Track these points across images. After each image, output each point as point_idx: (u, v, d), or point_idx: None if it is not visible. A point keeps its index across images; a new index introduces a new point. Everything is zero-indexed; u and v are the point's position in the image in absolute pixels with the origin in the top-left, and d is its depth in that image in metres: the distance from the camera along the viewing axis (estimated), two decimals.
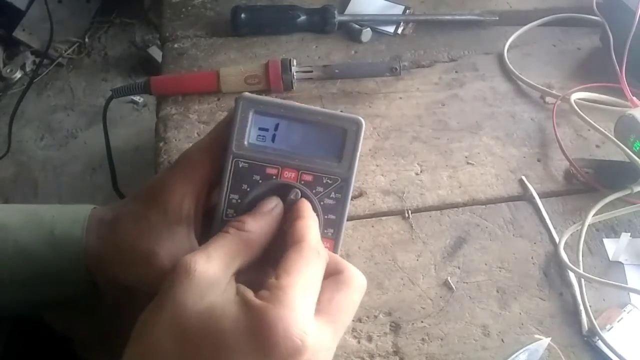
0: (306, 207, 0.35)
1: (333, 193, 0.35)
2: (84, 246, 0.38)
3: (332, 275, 0.33)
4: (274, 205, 0.35)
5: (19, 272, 0.39)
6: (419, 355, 0.49)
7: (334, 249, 0.36)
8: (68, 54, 1.91)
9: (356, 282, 0.34)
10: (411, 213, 0.57)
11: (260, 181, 0.35)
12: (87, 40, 1.95)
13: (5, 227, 0.39)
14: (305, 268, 0.32)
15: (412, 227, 0.56)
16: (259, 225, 0.33)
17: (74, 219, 0.39)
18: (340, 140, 0.35)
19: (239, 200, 0.35)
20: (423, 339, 0.49)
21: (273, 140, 0.35)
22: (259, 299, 0.30)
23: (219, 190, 0.36)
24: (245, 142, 0.35)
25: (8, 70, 1.82)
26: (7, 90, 1.82)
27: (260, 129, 0.35)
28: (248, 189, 0.35)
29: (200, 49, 0.72)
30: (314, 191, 0.35)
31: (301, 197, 0.35)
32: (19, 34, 1.81)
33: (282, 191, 0.35)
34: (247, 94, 0.35)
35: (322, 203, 0.35)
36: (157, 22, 1.25)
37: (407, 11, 0.76)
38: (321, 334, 0.30)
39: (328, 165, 0.35)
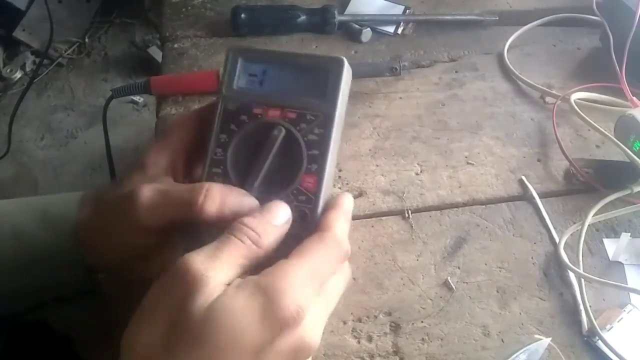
0: (344, 201, 0.37)
1: (316, 128, 0.36)
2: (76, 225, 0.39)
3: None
4: (288, 218, 0.35)
5: (15, 257, 0.40)
6: (419, 355, 0.49)
7: (317, 183, 0.36)
8: (68, 54, 1.91)
9: (345, 265, 0.36)
10: (411, 213, 0.57)
11: (247, 120, 0.37)
12: (87, 40, 1.95)
13: (0, 212, 0.40)
14: (319, 254, 0.33)
15: (412, 227, 0.56)
16: (273, 238, 0.34)
17: (67, 201, 0.41)
18: (323, 79, 0.37)
19: (227, 140, 0.37)
20: (423, 339, 0.50)
21: (261, 84, 0.38)
22: (261, 277, 0.31)
23: (208, 134, 0.37)
24: (235, 86, 0.37)
25: (8, 70, 1.82)
26: (7, 90, 1.82)
27: (249, 74, 0.38)
28: (235, 129, 0.37)
29: (200, 49, 0.72)
30: (297, 128, 0.37)
31: (285, 133, 0.36)
32: (19, 34, 1.81)
33: (268, 129, 0.36)
34: (236, 45, 0.38)
35: (305, 139, 0.36)
36: (157, 22, 1.25)
37: (407, 11, 0.76)
38: (314, 309, 0.32)
39: (311, 103, 0.37)
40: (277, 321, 0.30)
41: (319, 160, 0.36)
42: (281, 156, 0.36)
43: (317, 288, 0.32)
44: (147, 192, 0.36)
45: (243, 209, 0.35)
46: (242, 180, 0.36)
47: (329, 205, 0.37)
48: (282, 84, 0.37)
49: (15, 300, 0.43)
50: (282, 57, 0.38)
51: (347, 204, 0.37)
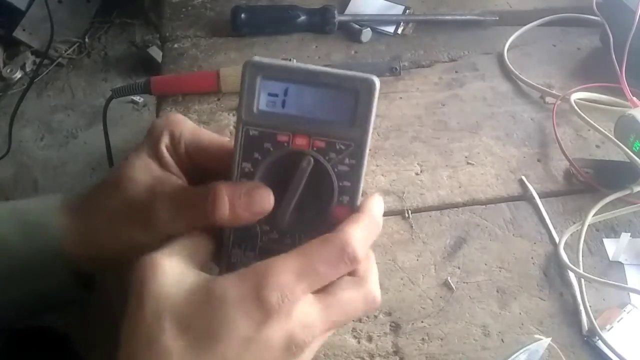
0: (370, 205, 0.35)
1: (347, 159, 0.34)
2: (60, 227, 0.38)
3: (352, 275, 0.34)
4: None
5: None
6: (419, 355, 0.49)
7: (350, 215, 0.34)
8: (68, 54, 1.91)
9: (369, 292, 0.34)
10: (411, 213, 0.57)
11: (272, 149, 0.34)
12: (87, 40, 1.95)
13: None
14: (316, 251, 0.31)
15: (412, 227, 0.56)
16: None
17: (46, 205, 0.39)
18: (352, 102, 0.33)
19: (252, 169, 0.34)
20: (423, 339, 0.49)
21: (283, 105, 0.34)
22: (249, 268, 0.31)
23: (231, 161, 0.35)
24: (255, 109, 0.33)
25: (8, 70, 1.82)
26: (7, 90, 1.82)
27: (269, 94, 0.33)
28: (260, 158, 0.34)
29: (200, 49, 0.72)
30: (327, 158, 0.34)
31: (314, 164, 0.34)
32: (19, 34, 1.81)
33: (295, 159, 0.34)
34: (255, 58, 0.34)
35: (335, 170, 0.34)
36: (157, 22, 1.25)
37: (407, 11, 0.76)
38: (307, 309, 0.31)
39: (341, 130, 0.33)
40: (260, 306, 0.29)
41: (351, 191, 0.34)
42: (310, 187, 0.34)
43: (308, 285, 0.31)
44: (162, 212, 0.35)
45: (262, 207, 0.33)
46: (271, 214, 0.34)
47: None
48: (307, 105, 0.34)
49: (6, 311, 0.42)
50: (305, 74, 0.33)
51: (375, 208, 0.35)
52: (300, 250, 0.32)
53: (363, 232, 0.33)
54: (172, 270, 0.31)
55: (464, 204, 0.58)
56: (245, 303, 0.29)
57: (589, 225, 0.55)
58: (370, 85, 0.33)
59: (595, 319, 0.49)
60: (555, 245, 0.55)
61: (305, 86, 0.33)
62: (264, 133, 0.34)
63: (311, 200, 0.34)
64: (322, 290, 0.32)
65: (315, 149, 0.33)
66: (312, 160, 0.33)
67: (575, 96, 0.62)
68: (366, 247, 0.33)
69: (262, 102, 0.33)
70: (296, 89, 0.33)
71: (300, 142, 0.34)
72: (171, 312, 0.30)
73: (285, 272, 0.30)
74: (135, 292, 0.31)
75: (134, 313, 0.31)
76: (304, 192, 0.34)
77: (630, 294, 0.51)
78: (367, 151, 0.34)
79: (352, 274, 0.34)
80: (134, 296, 0.31)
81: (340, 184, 0.34)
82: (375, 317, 0.50)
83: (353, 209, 0.34)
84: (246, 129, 0.34)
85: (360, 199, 0.35)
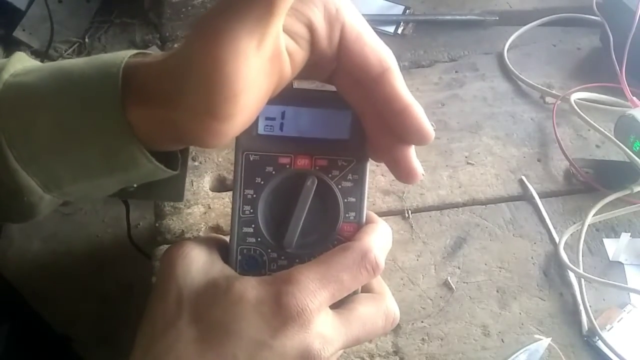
0: (378, 218, 0.34)
1: (350, 175, 0.34)
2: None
3: (369, 292, 0.33)
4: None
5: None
6: (419, 355, 0.49)
7: (356, 231, 0.34)
8: (68, 54, 1.91)
9: (387, 309, 0.33)
10: (411, 213, 0.57)
11: (274, 172, 0.34)
12: (87, 40, 1.95)
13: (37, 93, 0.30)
14: (336, 259, 0.31)
15: (412, 227, 0.56)
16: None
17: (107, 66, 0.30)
18: (349, 118, 0.34)
19: (254, 195, 0.34)
20: (423, 339, 0.50)
21: (281, 128, 0.34)
22: (270, 276, 0.31)
23: (233, 189, 0.34)
24: (253, 134, 0.33)
25: None
26: None
27: (267, 118, 0.33)
28: (262, 182, 0.34)
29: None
30: (330, 175, 0.34)
31: (318, 183, 0.34)
32: (19, 34, 1.81)
33: (298, 180, 0.34)
34: None
35: (339, 186, 0.34)
36: (157, 22, 1.25)
37: (407, 11, 0.76)
38: (327, 321, 0.30)
39: (340, 147, 0.34)
40: (278, 312, 0.29)
41: (357, 207, 0.34)
42: (315, 206, 0.34)
43: (330, 293, 0.30)
44: None
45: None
46: (278, 238, 0.34)
47: (368, 219, 0.35)
48: (305, 126, 0.34)
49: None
50: (299, 96, 0.33)
51: (381, 221, 0.35)
52: (321, 259, 0.31)
53: (380, 240, 0.33)
54: (199, 258, 0.31)
55: (464, 204, 0.58)
56: (264, 306, 0.29)
57: (589, 225, 0.55)
58: None
59: (595, 319, 0.49)
60: (555, 245, 0.55)
61: (301, 107, 0.34)
62: (265, 157, 0.34)
63: (317, 221, 0.34)
64: (342, 306, 0.32)
65: (317, 167, 0.34)
66: (315, 179, 0.33)
67: (575, 96, 0.62)
68: (384, 256, 0.33)
69: (260, 126, 0.33)
70: (293, 111, 0.34)
71: (302, 162, 0.34)
72: (189, 298, 0.30)
73: (308, 280, 0.30)
74: (162, 275, 0.31)
75: (158, 296, 0.31)
76: (309, 212, 0.33)
77: (630, 294, 0.51)
78: (368, 166, 0.34)
79: (368, 290, 0.34)
80: (160, 280, 0.31)
81: (345, 200, 0.34)
82: None
83: (360, 225, 0.34)
84: (246, 155, 0.33)
85: (365, 214, 0.34)
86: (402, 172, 0.32)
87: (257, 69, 0.27)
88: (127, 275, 1.32)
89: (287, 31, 0.28)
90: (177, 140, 0.31)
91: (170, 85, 0.28)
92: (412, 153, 0.32)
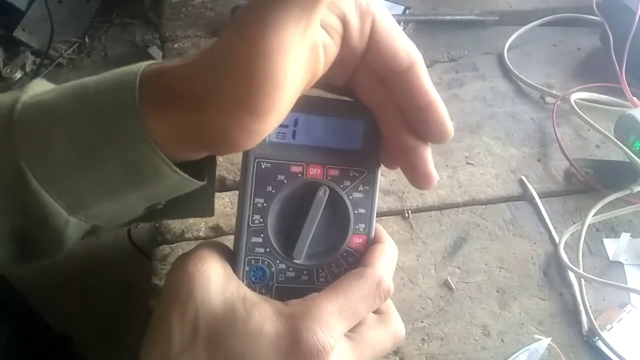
0: (385, 232, 0.34)
1: (361, 186, 0.34)
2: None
3: (375, 313, 0.33)
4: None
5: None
6: (419, 355, 0.49)
7: (366, 243, 0.34)
8: (68, 54, 1.91)
9: (395, 329, 0.33)
10: (411, 213, 0.57)
11: (285, 181, 0.33)
12: (87, 40, 1.95)
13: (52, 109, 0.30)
14: (354, 289, 0.31)
15: (412, 227, 0.56)
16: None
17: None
18: (361, 129, 0.33)
19: (265, 204, 0.33)
20: (423, 339, 0.49)
21: (294, 136, 0.33)
22: (287, 306, 0.30)
23: (241, 197, 0.33)
24: (266, 141, 0.32)
25: (8, 70, 1.82)
26: (7, 91, 1.82)
27: (280, 125, 0.32)
28: (273, 191, 0.33)
29: (200, 48, 0.72)
30: (341, 186, 0.33)
31: (329, 193, 0.33)
32: (19, 34, 1.81)
33: (310, 190, 0.33)
34: None
35: (350, 197, 0.33)
36: (157, 22, 1.25)
37: (407, 11, 0.76)
38: (342, 351, 0.30)
39: (352, 157, 0.33)
40: (297, 350, 0.28)
41: (366, 219, 0.34)
42: (325, 217, 0.33)
43: (348, 325, 0.30)
44: None
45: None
46: (288, 249, 0.33)
47: (375, 239, 0.34)
48: (318, 135, 0.33)
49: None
50: (312, 103, 0.32)
51: (388, 236, 0.35)
52: (337, 288, 0.31)
53: (389, 264, 0.33)
54: (216, 275, 0.30)
55: (464, 204, 0.58)
56: (283, 341, 0.28)
57: (589, 225, 0.55)
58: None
59: (595, 319, 0.49)
60: (555, 245, 0.55)
61: (314, 115, 0.33)
62: (277, 165, 0.33)
63: (326, 232, 0.33)
64: (352, 330, 0.32)
65: (329, 177, 0.33)
66: (327, 189, 0.33)
67: (575, 96, 0.62)
68: (391, 278, 0.33)
69: (272, 133, 0.32)
70: (306, 118, 0.33)
71: (314, 171, 0.33)
72: (206, 322, 0.29)
73: (327, 314, 0.29)
74: (179, 290, 0.29)
75: (175, 311, 0.29)
76: (319, 223, 0.33)
77: (630, 294, 0.51)
78: (379, 177, 0.34)
79: (375, 311, 0.33)
80: (176, 293, 0.30)
81: (356, 211, 0.34)
82: None
83: (369, 236, 0.34)
84: (258, 162, 0.32)
85: (374, 225, 0.34)
86: (419, 177, 0.32)
87: (299, 60, 0.26)
88: (127, 275, 1.32)
89: (321, 24, 0.27)
90: (202, 147, 0.29)
91: (202, 86, 0.27)
92: (429, 157, 0.32)
